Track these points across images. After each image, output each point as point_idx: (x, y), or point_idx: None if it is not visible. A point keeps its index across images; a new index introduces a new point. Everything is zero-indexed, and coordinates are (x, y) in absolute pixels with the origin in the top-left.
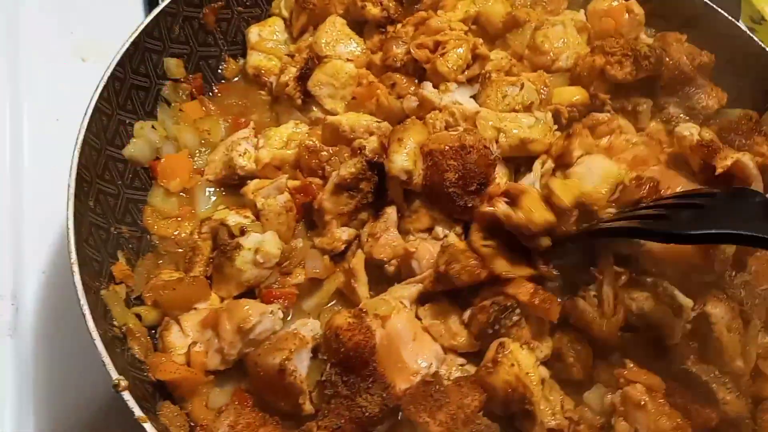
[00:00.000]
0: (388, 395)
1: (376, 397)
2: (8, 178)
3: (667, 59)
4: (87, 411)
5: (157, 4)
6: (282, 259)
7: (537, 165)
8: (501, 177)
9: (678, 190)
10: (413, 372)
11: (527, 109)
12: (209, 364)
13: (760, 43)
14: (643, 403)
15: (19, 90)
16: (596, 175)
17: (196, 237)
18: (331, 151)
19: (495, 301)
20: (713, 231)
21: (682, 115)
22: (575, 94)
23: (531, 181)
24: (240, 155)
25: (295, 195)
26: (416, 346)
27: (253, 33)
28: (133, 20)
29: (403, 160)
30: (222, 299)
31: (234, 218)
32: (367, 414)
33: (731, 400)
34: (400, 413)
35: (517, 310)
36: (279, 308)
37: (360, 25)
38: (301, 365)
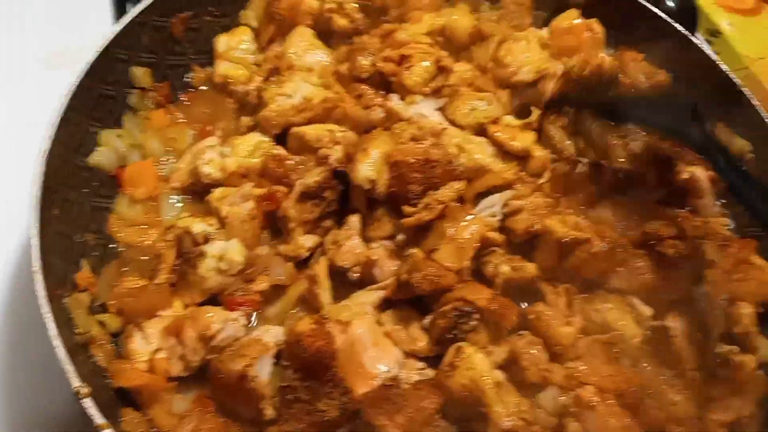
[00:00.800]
0: (348, 399)
1: (336, 402)
2: None
3: (624, 78)
4: (49, 419)
5: (125, 11)
6: (246, 266)
7: (498, 198)
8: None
9: None
10: (373, 376)
11: (494, 122)
12: (172, 370)
13: (714, 56)
14: (593, 404)
15: None
16: None
17: (161, 245)
18: (296, 160)
19: (454, 306)
20: None
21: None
22: None
23: (485, 206)
24: (205, 163)
25: (260, 203)
26: (377, 351)
27: (222, 42)
28: (101, 28)
29: (367, 169)
30: (186, 306)
31: (198, 226)
32: (326, 418)
33: (680, 401)
34: (360, 417)
35: (475, 315)
36: (242, 315)
37: (328, 36)
38: (262, 371)
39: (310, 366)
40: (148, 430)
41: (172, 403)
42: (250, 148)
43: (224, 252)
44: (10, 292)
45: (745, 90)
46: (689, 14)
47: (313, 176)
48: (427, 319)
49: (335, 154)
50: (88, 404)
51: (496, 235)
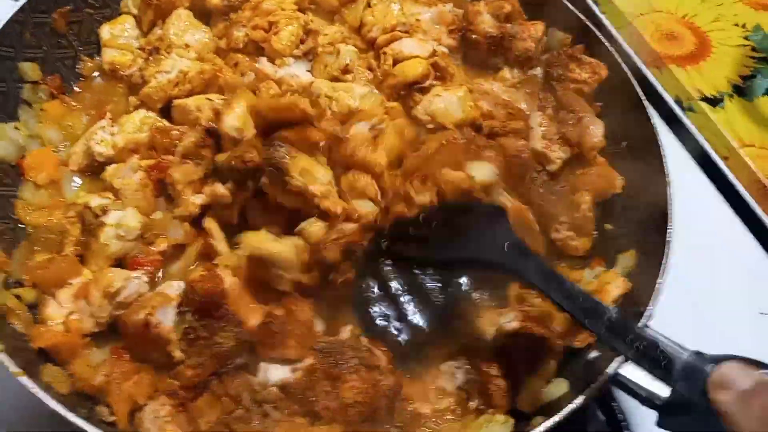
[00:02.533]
0: (241, 330)
1: (230, 333)
2: None
3: (475, 36)
4: None
5: None
6: (144, 230)
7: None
8: None
9: None
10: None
11: (345, 71)
12: (84, 328)
13: None
14: None
15: None
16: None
17: (65, 221)
18: (181, 130)
19: None
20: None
21: (515, 71)
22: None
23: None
24: (97, 143)
25: (150, 173)
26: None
27: (105, 31)
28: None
29: (232, 120)
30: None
31: (96, 201)
32: (224, 348)
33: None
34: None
35: None
36: (143, 273)
37: (207, 15)
38: (165, 318)
39: (204, 306)
40: (67, 380)
41: (90, 357)
42: (137, 124)
43: (121, 220)
44: None
45: None
46: None
47: (188, 138)
48: None
49: (204, 114)
50: (3, 357)
51: None
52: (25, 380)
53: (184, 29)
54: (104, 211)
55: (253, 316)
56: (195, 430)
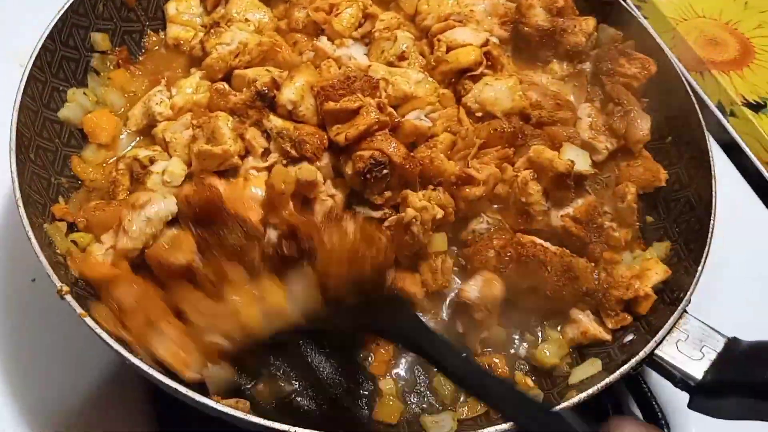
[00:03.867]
0: (248, 226)
1: (238, 230)
2: None
3: (527, 29)
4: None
5: None
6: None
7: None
8: None
9: None
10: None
11: (401, 58)
12: (119, 246)
13: None
14: None
15: None
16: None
17: (115, 174)
18: (238, 95)
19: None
20: None
21: (565, 65)
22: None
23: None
24: (156, 104)
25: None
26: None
27: (171, 8)
28: None
29: (290, 92)
30: None
31: (144, 152)
32: (238, 246)
33: None
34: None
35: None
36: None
37: None
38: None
39: (205, 215)
40: (118, 322)
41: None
42: (193, 85)
43: (166, 167)
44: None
45: None
46: None
47: (240, 96)
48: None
49: (262, 78)
50: (69, 299)
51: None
52: (89, 321)
53: (246, 8)
54: (152, 161)
55: (253, 213)
56: None
